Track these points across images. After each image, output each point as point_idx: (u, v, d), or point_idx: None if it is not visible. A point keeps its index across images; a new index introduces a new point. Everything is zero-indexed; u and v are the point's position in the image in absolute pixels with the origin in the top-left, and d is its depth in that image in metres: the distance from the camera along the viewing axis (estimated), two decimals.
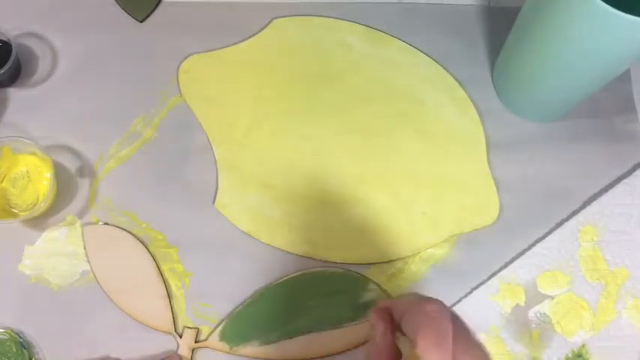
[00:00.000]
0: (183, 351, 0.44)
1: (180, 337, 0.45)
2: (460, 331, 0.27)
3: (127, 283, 0.46)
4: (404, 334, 0.27)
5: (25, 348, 0.44)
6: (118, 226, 0.47)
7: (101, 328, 0.45)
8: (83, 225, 0.47)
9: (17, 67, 0.51)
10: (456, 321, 0.27)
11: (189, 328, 0.45)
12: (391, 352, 0.28)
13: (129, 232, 0.47)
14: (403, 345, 0.26)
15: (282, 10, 0.54)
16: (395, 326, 0.28)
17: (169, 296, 0.46)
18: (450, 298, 0.46)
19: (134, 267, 0.46)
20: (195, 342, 0.44)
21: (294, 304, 0.45)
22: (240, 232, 0.47)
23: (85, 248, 0.46)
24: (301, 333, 0.45)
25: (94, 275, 0.46)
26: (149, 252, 0.47)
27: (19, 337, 0.44)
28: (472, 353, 0.26)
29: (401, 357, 0.27)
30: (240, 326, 0.45)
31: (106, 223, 0.47)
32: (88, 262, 0.46)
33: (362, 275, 0.46)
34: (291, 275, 0.46)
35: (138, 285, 0.46)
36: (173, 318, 0.45)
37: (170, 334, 0.45)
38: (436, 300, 0.28)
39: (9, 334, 0.44)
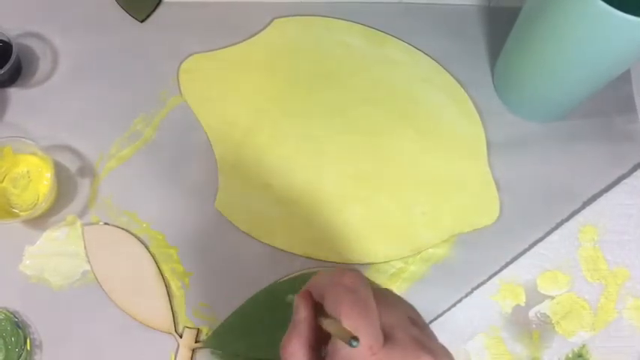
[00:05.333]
0: (184, 351, 0.44)
1: (181, 337, 0.45)
2: (380, 294, 0.27)
3: (127, 283, 0.46)
4: (327, 316, 0.26)
5: (20, 327, 0.44)
6: (118, 226, 0.47)
7: (101, 328, 0.45)
8: (83, 225, 0.47)
9: (18, 67, 0.51)
10: (374, 286, 0.27)
11: (189, 328, 0.45)
12: (313, 337, 0.27)
13: (129, 232, 0.47)
14: (328, 325, 0.25)
15: (282, 10, 0.54)
16: (317, 309, 0.28)
17: (169, 296, 0.46)
18: (450, 298, 0.46)
19: (134, 267, 0.46)
20: (196, 342, 0.44)
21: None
22: (240, 232, 0.47)
23: (85, 248, 0.47)
24: None
25: (95, 275, 0.46)
26: (149, 252, 0.47)
27: (15, 316, 0.44)
28: (396, 313, 0.26)
29: (325, 339, 0.26)
30: (239, 326, 0.45)
31: (106, 223, 0.47)
32: (89, 262, 0.46)
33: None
34: (291, 276, 0.46)
35: (138, 285, 0.46)
36: (173, 318, 0.45)
37: (170, 334, 0.45)
38: (351, 270, 0.27)
39: (4, 313, 0.44)
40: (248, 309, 0.45)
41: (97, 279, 0.46)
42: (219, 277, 0.46)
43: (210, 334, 0.45)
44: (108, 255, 0.46)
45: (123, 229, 0.47)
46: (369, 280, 0.27)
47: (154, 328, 0.45)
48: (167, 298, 0.46)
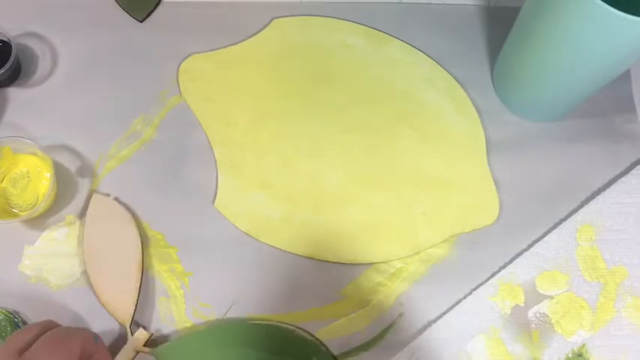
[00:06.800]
0: (128, 350, 0.42)
1: (132, 334, 0.43)
2: None
3: (107, 263, 0.45)
4: None
5: (19, 327, 0.44)
6: (120, 201, 0.47)
7: (101, 328, 0.45)
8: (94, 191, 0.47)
9: (17, 67, 0.51)
10: None
11: (143, 329, 0.43)
12: None
13: (130, 211, 0.47)
14: None
15: (282, 10, 0.54)
16: None
17: (140, 288, 0.44)
18: (449, 298, 0.46)
19: (119, 250, 0.45)
20: (144, 345, 0.43)
21: (242, 349, 0.43)
22: (239, 232, 0.47)
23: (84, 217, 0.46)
24: None
25: (83, 246, 0.45)
26: (139, 235, 0.46)
27: (14, 316, 0.44)
28: None
29: None
30: (188, 352, 0.43)
31: (115, 199, 0.48)
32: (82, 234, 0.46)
33: (313, 338, 0.44)
34: (256, 322, 0.44)
35: (117, 269, 0.45)
36: (134, 313, 0.44)
37: (124, 326, 0.44)
38: None
39: (4, 313, 0.44)
40: (202, 338, 0.43)
41: (84, 255, 0.45)
42: (218, 277, 0.46)
43: (161, 346, 0.43)
44: (99, 228, 0.46)
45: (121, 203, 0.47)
46: None
47: (115, 317, 0.44)
48: (137, 290, 0.44)
